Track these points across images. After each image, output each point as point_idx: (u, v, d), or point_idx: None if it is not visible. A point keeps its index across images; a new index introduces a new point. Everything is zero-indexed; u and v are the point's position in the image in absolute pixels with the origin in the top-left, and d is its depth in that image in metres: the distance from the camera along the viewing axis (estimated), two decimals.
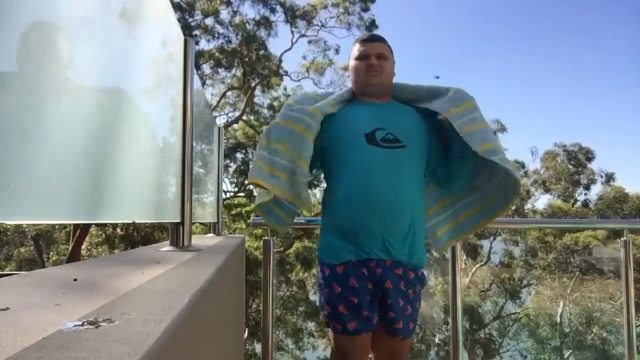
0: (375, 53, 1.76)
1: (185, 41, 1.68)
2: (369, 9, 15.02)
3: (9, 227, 12.79)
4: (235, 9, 14.03)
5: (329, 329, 1.74)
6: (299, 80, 16.23)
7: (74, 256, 10.04)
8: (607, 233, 15.37)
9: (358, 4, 14.87)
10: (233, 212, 14.40)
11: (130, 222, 1.18)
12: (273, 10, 14.40)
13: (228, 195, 14.88)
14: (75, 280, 0.88)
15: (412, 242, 1.67)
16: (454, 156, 1.81)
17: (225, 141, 4.31)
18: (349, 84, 1.88)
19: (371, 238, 1.63)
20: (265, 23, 14.19)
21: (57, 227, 13.84)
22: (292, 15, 14.76)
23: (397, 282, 1.66)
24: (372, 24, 15.11)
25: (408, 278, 1.69)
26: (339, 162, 1.72)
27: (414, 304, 1.71)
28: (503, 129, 19.36)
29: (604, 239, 15.85)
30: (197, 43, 13.33)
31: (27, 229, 13.62)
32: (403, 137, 1.68)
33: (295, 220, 2.14)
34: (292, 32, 15.33)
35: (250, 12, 16.89)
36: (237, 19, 14.09)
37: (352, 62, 1.82)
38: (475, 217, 1.87)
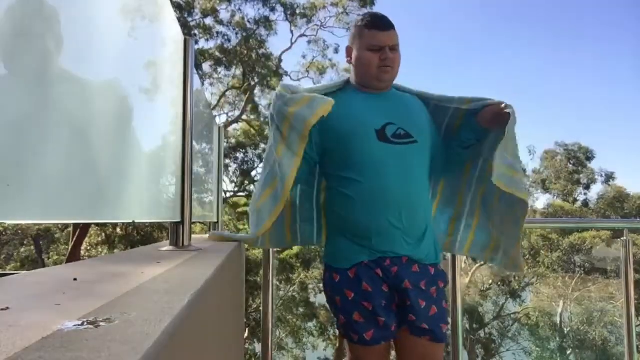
0: (390, 44, 1.54)
1: (185, 40, 1.68)
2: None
3: (9, 227, 12.79)
4: (235, 8, 14.05)
5: (344, 338, 1.62)
6: (298, 80, 16.24)
7: (73, 256, 10.03)
8: (611, 233, 15.35)
9: (357, 4, 14.87)
10: (239, 210, 14.40)
11: (130, 222, 1.18)
12: (273, 10, 14.41)
13: (228, 195, 14.88)
14: (75, 280, 0.88)
15: (428, 239, 1.58)
16: (455, 146, 1.75)
17: (225, 141, 4.31)
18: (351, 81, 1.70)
19: (386, 238, 1.52)
20: (265, 22, 14.20)
21: (58, 227, 13.84)
22: (292, 14, 14.77)
23: (416, 281, 1.52)
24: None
25: (429, 274, 1.56)
26: (348, 162, 1.56)
27: (440, 303, 1.56)
28: None
29: (608, 239, 15.85)
30: (196, 42, 13.33)
31: (27, 229, 13.62)
32: (414, 131, 1.57)
33: None
34: (292, 31, 15.35)
35: (250, 11, 16.95)
36: (237, 18, 14.10)
37: (360, 52, 1.58)
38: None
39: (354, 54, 1.62)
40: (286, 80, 15.82)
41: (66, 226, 12.63)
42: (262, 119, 15.37)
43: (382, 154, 1.53)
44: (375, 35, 1.54)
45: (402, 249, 1.52)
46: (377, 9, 15.09)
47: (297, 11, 14.80)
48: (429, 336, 1.51)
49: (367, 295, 1.51)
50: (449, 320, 2.15)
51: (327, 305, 1.69)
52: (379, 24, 1.56)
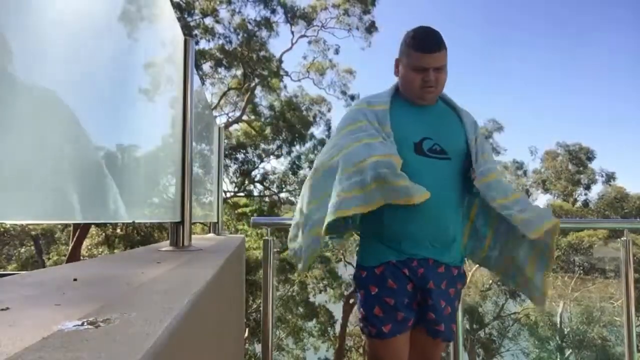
0: (435, 66, 1.58)
1: (185, 41, 1.68)
2: (370, 12, 15.05)
3: (9, 227, 12.78)
4: (235, 9, 14.05)
5: (364, 335, 1.69)
6: (299, 81, 16.25)
7: (73, 256, 10.04)
8: (609, 232, 15.40)
9: (358, 6, 14.88)
10: (238, 210, 14.41)
11: (130, 222, 1.18)
12: (274, 11, 14.42)
13: (228, 195, 14.89)
14: (75, 280, 0.88)
15: (455, 246, 1.67)
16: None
17: (225, 141, 4.31)
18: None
19: (415, 242, 1.60)
20: (265, 23, 14.20)
21: (58, 227, 13.84)
22: (293, 16, 14.78)
23: (439, 282, 1.61)
24: (372, 25, 15.12)
25: (451, 275, 1.65)
26: None
27: (454, 304, 1.67)
28: (500, 128, 19.40)
29: (605, 238, 15.87)
30: (197, 43, 13.33)
31: (28, 229, 13.62)
32: (449, 149, 1.63)
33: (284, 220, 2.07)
34: (292, 32, 15.35)
35: (251, 12, 16.97)
36: (237, 19, 14.11)
37: (406, 70, 1.64)
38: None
39: (401, 70, 1.68)
40: (286, 81, 15.85)
41: (66, 226, 12.63)
42: (262, 120, 15.39)
43: (417, 165, 1.58)
44: (421, 57, 1.58)
45: (428, 252, 1.61)
46: (377, 10, 15.11)
47: (297, 13, 14.81)
48: (441, 337, 1.63)
49: (391, 291, 1.59)
50: None
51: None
52: (426, 46, 1.58)
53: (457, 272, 1.68)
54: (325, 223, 1.55)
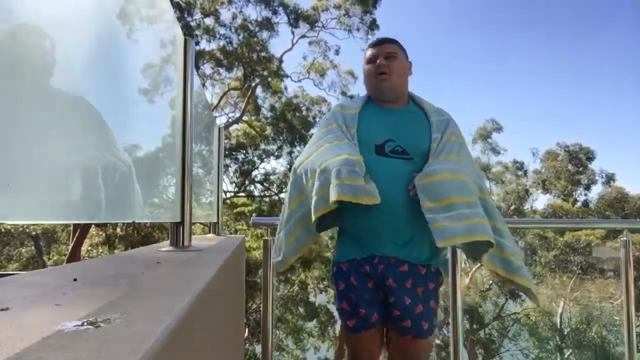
0: (384, 53, 1.75)
1: (185, 41, 1.68)
2: (371, 13, 15.04)
3: (10, 227, 12.79)
4: (237, 10, 14.06)
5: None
6: (299, 81, 16.25)
7: (73, 256, 10.03)
8: (606, 231, 15.42)
9: (359, 8, 14.88)
10: (236, 210, 14.40)
11: (130, 222, 1.18)
12: (275, 12, 14.41)
13: (228, 195, 14.88)
14: (75, 280, 0.88)
15: (416, 243, 1.67)
16: None
17: (225, 141, 4.31)
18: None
19: (375, 239, 1.66)
20: (266, 24, 14.20)
21: (59, 227, 13.85)
22: (295, 18, 14.77)
23: (402, 280, 1.64)
24: (373, 23, 15.11)
25: (418, 273, 1.66)
26: None
27: (427, 302, 1.67)
28: (499, 128, 19.43)
29: (602, 237, 15.87)
30: (197, 44, 13.33)
31: (28, 229, 13.62)
32: (412, 149, 1.69)
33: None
34: (293, 32, 15.35)
35: (252, 13, 16.96)
36: (239, 20, 14.11)
37: (363, 68, 1.84)
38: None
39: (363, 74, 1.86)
40: (287, 82, 15.85)
41: (67, 226, 12.63)
42: (263, 120, 15.39)
43: (376, 165, 1.66)
44: (371, 50, 1.79)
45: (389, 250, 1.66)
46: (378, 10, 15.11)
47: (300, 15, 14.79)
48: (411, 334, 1.65)
49: (353, 288, 1.69)
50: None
51: None
52: (376, 41, 1.81)
53: (425, 271, 1.67)
54: (313, 219, 1.64)
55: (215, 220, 3.14)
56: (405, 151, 1.68)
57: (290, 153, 15.29)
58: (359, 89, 19.11)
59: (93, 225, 11.79)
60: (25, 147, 0.67)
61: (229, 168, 14.78)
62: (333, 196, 1.54)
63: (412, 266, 1.66)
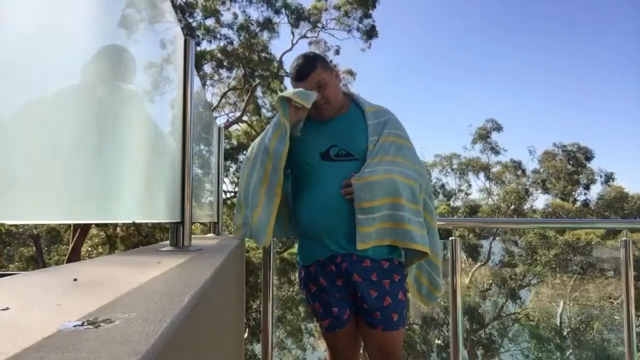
0: (312, 86, 1.76)
1: (186, 41, 1.68)
2: (370, 16, 15.03)
3: (10, 227, 12.78)
4: (240, 9, 14.06)
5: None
6: None
7: (74, 256, 10.04)
8: (606, 231, 15.44)
9: (359, 9, 14.87)
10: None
11: (130, 222, 1.18)
12: (277, 12, 14.41)
13: (228, 195, 14.88)
14: (75, 280, 0.88)
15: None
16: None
17: (225, 141, 4.31)
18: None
19: (332, 238, 1.73)
20: (267, 24, 14.20)
21: (60, 226, 13.84)
22: (297, 19, 14.76)
23: (366, 274, 1.70)
24: (372, 30, 15.11)
25: (381, 268, 1.72)
26: (300, 177, 1.87)
27: (395, 295, 1.71)
28: (498, 128, 19.42)
29: (602, 236, 15.87)
30: (198, 44, 13.33)
31: (28, 229, 13.62)
32: (355, 151, 1.78)
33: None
34: (293, 32, 15.35)
35: (253, 13, 16.94)
36: (240, 20, 14.11)
37: None
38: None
39: None
40: (287, 82, 15.84)
41: (67, 226, 12.63)
42: (264, 120, 15.38)
43: (323, 170, 1.78)
44: (298, 86, 1.79)
45: (349, 247, 1.71)
46: (378, 11, 15.10)
47: (302, 15, 14.78)
48: (381, 326, 1.71)
49: (323, 288, 1.76)
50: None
51: None
52: (297, 76, 1.80)
53: (387, 264, 1.73)
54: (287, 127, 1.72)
55: (216, 220, 3.14)
56: (350, 154, 1.78)
57: None
58: (359, 89, 19.12)
59: (93, 226, 11.79)
60: (25, 147, 0.67)
61: (230, 168, 14.77)
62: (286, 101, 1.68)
63: (374, 261, 1.71)
